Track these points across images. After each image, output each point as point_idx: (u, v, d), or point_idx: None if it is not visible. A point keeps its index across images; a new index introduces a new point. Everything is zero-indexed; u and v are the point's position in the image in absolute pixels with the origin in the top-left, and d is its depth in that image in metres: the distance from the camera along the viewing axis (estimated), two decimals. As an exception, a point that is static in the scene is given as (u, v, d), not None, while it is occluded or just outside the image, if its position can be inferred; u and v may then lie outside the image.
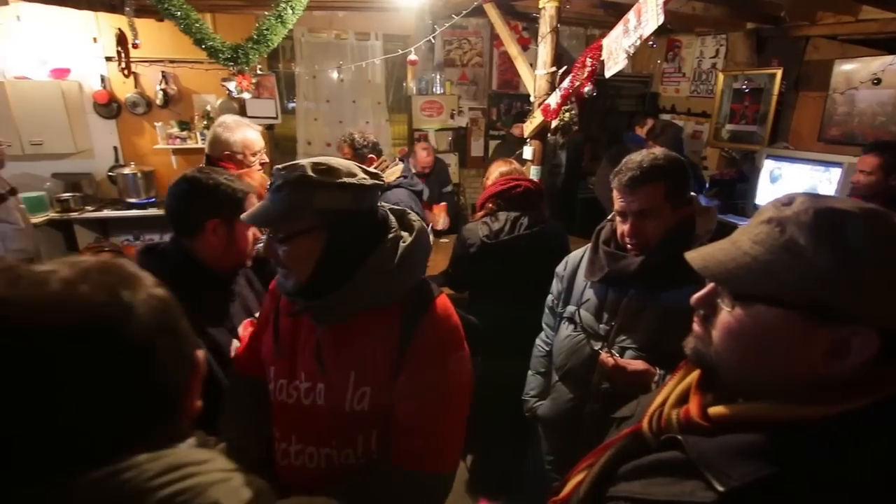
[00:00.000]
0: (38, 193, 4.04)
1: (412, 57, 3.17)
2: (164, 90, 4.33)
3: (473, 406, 1.09)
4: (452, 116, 5.09)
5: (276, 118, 4.56)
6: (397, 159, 2.66)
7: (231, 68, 2.81)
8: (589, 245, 1.38)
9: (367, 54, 4.68)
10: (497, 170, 2.16)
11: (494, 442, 2.33)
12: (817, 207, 0.58)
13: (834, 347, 0.56)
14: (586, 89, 2.20)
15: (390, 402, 0.98)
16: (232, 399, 1.19)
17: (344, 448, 1.00)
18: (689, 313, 1.10)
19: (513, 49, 3.10)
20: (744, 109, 4.19)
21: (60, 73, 4.16)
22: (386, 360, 0.97)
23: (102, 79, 4.29)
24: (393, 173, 2.39)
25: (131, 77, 4.23)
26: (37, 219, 3.84)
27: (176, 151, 4.53)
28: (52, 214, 4.08)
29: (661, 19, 1.72)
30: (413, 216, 1.06)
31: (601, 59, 2.07)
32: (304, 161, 0.93)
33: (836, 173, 3.26)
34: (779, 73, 3.85)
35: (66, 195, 4.12)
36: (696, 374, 0.71)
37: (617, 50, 1.97)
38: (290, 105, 4.92)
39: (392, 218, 1.03)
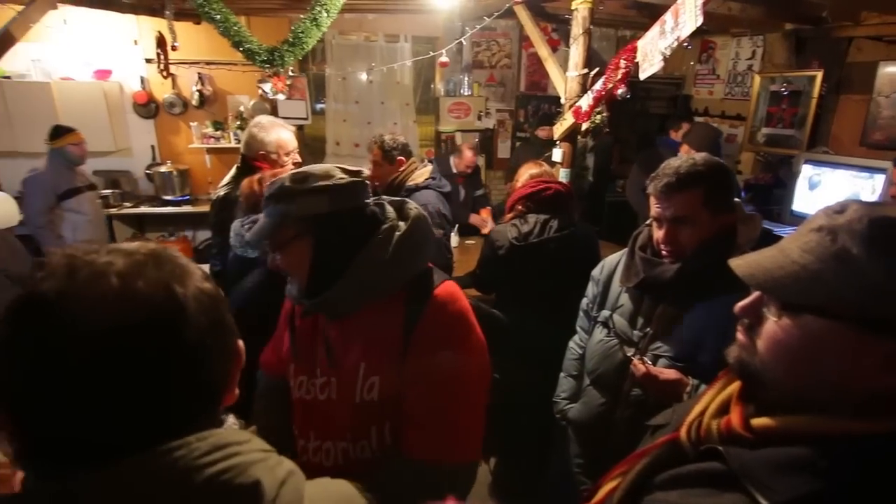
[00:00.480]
0: (80, 190, 4.22)
1: (443, 59, 3.17)
2: (199, 91, 4.46)
3: (497, 408, 1.08)
4: (479, 118, 5.09)
5: (306, 119, 4.65)
6: (426, 161, 2.68)
7: (266, 70, 2.87)
8: (625, 250, 1.36)
9: (396, 56, 4.72)
10: (527, 172, 2.15)
11: (518, 444, 2.32)
12: (872, 216, 0.56)
13: (887, 361, 0.54)
14: (620, 91, 2.18)
15: (398, 391, 0.99)
16: (260, 398, 1.25)
17: (359, 441, 1.02)
18: (725, 324, 1.07)
19: (543, 50, 3.08)
20: (781, 112, 4.07)
21: (103, 74, 4.33)
22: (392, 348, 0.98)
23: (142, 80, 4.44)
24: (421, 175, 2.40)
25: (169, 78, 4.38)
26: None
27: (210, 151, 4.67)
28: (92, 210, 4.25)
29: (700, 20, 1.68)
30: (411, 205, 1.07)
31: (635, 60, 2.04)
32: (284, 175, 0.99)
33: (879, 180, 3.14)
34: (819, 75, 3.72)
35: (106, 192, 4.28)
36: (737, 384, 0.69)
37: (652, 52, 1.93)
38: (318, 106, 5.01)
39: (390, 209, 1.05)
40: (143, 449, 0.46)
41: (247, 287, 1.74)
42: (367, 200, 1.03)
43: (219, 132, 4.59)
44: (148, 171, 4.60)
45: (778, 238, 0.67)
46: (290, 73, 3.28)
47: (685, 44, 1.91)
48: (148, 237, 4.64)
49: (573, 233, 1.99)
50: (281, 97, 3.11)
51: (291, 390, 1.11)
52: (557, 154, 2.82)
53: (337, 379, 1.03)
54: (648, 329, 1.26)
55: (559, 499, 1.73)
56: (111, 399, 0.46)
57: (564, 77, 2.78)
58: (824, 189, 3.48)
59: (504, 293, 2.21)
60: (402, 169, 2.40)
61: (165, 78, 4.34)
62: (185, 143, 4.65)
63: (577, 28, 2.60)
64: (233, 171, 2.22)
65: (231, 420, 0.57)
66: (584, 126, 2.55)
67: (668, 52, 1.88)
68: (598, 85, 2.33)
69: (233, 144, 4.54)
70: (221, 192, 2.16)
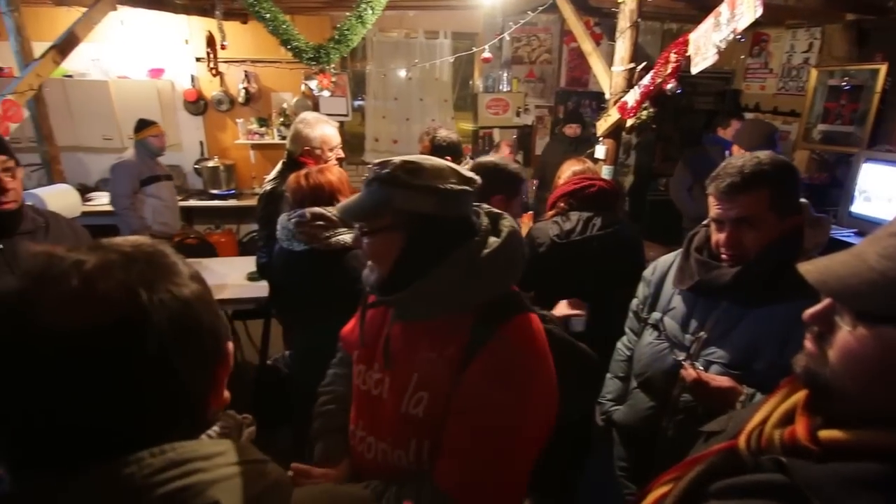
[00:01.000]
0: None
1: (486, 55, 3.15)
2: (245, 88, 4.61)
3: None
4: (518, 114, 5.04)
5: (346, 115, 4.73)
6: (468, 158, 2.67)
7: (313, 67, 2.94)
8: (680, 251, 1.32)
9: (435, 52, 4.74)
10: (570, 168, 2.11)
11: (552, 446, 2.29)
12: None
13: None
14: (669, 86, 2.11)
15: (444, 415, 0.93)
16: (335, 365, 1.28)
17: (397, 448, 0.98)
18: (787, 331, 1.02)
19: (587, 45, 3.02)
20: (840, 108, 3.85)
21: (156, 72, 4.53)
22: (447, 370, 0.92)
23: (192, 78, 4.62)
24: (463, 172, 2.40)
25: (217, 76, 4.54)
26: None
27: (254, 146, 4.82)
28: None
29: (759, 12, 1.61)
30: (507, 220, 1.01)
31: (687, 54, 1.97)
32: (397, 159, 0.94)
33: (949, 180, 2.93)
34: (883, 68, 3.51)
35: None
36: (802, 393, 0.67)
37: (706, 45, 1.86)
38: (356, 103, 5.07)
39: (485, 220, 0.99)
40: (108, 458, 0.44)
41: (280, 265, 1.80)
42: (471, 210, 0.98)
43: (263, 128, 4.73)
44: (196, 166, 4.79)
45: (842, 242, 0.63)
46: (333, 71, 3.35)
47: (738, 36, 1.83)
48: (196, 229, 4.83)
49: (618, 231, 1.94)
50: (326, 94, 3.17)
51: (353, 375, 1.10)
52: (600, 151, 2.76)
53: (390, 380, 1.00)
54: (701, 333, 1.22)
55: (599, 502, 1.71)
56: (65, 404, 0.44)
57: (609, 72, 2.72)
58: (886, 190, 3.27)
59: (543, 292, 2.18)
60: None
61: (214, 76, 4.50)
62: (231, 139, 4.81)
63: (623, 21, 2.54)
64: (279, 166, 2.28)
65: (214, 429, 0.54)
66: (629, 122, 2.49)
67: (722, 46, 1.81)
68: (646, 80, 2.26)
69: (276, 140, 4.67)
70: (268, 187, 2.23)
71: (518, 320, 0.95)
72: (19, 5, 3.03)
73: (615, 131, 2.70)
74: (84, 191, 4.22)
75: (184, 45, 4.53)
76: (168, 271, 0.51)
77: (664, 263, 1.39)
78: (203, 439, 0.52)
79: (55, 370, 0.44)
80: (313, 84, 3.03)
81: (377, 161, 0.96)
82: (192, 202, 4.62)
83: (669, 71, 2.09)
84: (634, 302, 1.49)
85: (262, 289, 2.53)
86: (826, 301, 0.62)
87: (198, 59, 4.56)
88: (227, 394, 0.58)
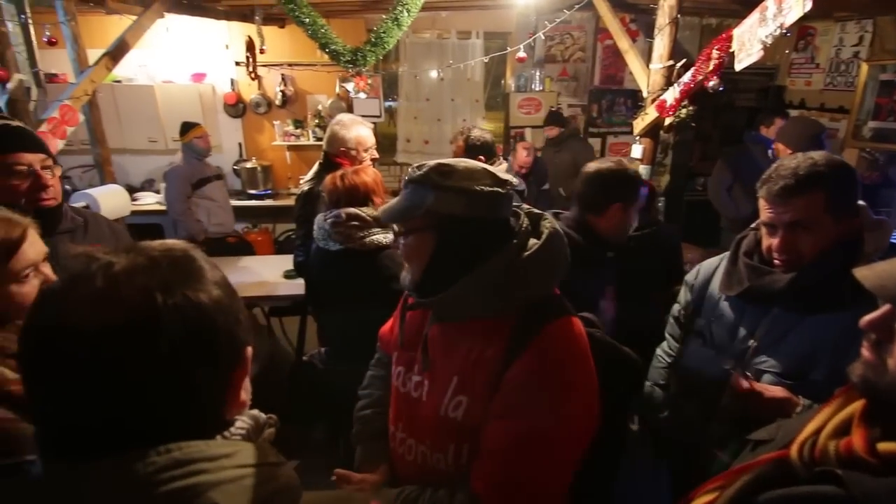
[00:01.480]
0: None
1: (521, 54, 3.13)
2: (282, 91, 4.73)
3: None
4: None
5: (379, 116, 4.78)
6: (501, 158, 2.66)
7: (349, 70, 2.98)
8: (724, 255, 1.28)
9: (467, 53, 4.74)
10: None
11: (594, 453, 2.26)
12: None
13: None
14: (711, 84, 2.04)
15: (483, 420, 0.92)
16: (372, 367, 1.30)
17: (436, 451, 0.98)
18: (844, 339, 0.98)
19: (624, 42, 2.96)
20: (892, 104, 3.68)
21: (198, 77, 4.70)
22: (489, 373, 0.92)
23: (232, 82, 4.77)
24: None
25: (256, 80, 4.66)
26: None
27: (290, 148, 4.93)
28: (187, 203, 4.63)
29: (809, 6, 1.55)
30: (548, 221, 0.99)
31: (730, 50, 1.91)
32: (433, 161, 0.96)
33: None
34: (942, 61, 3.32)
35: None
36: (859, 403, 0.64)
37: (751, 40, 1.80)
38: (387, 104, 5.12)
39: (525, 221, 0.97)
40: (121, 452, 0.47)
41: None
42: (508, 212, 0.97)
43: (299, 130, 4.84)
44: (235, 167, 4.94)
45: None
46: (369, 73, 3.39)
47: (785, 31, 1.77)
48: (235, 228, 4.98)
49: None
50: (363, 96, 3.22)
51: (392, 377, 1.11)
52: (637, 150, 2.71)
53: (429, 383, 1.00)
54: (751, 342, 1.17)
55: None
56: (81, 399, 0.47)
57: (646, 69, 2.67)
58: (945, 190, 3.10)
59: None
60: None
61: (253, 79, 4.63)
62: (268, 141, 4.94)
63: (662, 18, 2.48)
64: (315, 166, 2.33)
65: (231, 430, 0.56)
66: (668, 121, 2.43)
67: (769, 41, 1.75)
68: (686, 77, 2.20)
69: (311, 142, 4.76)
70: (305, 188, 2.28)
71: (559, 323, 0.93)
72: (76, 14, 3.19)
73: (653, 130, 2.64)
74: (130, 191, 4.41)
75: (224, 50, 4.67)
76: (190, 276, 0.52)
77: (708, 268, 1.34)
78: (217, 440, 0.53)
79: (75, 365, 0.47)
80: (350, 86, 3.08)
81: (417, 164, 0.97)
82: (232, 202, 4.73)
83: (711, 68, 2.02)
84: (675, 307, 1.45)
85: (298, 286, 2.59)
86: (885, 307, 0.60)
87: (237, 64, 4.70)
88: (245, 396, 0.59)
